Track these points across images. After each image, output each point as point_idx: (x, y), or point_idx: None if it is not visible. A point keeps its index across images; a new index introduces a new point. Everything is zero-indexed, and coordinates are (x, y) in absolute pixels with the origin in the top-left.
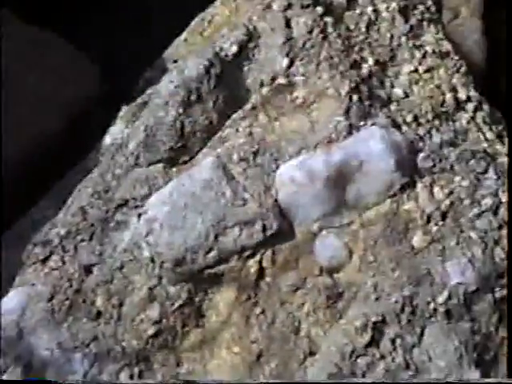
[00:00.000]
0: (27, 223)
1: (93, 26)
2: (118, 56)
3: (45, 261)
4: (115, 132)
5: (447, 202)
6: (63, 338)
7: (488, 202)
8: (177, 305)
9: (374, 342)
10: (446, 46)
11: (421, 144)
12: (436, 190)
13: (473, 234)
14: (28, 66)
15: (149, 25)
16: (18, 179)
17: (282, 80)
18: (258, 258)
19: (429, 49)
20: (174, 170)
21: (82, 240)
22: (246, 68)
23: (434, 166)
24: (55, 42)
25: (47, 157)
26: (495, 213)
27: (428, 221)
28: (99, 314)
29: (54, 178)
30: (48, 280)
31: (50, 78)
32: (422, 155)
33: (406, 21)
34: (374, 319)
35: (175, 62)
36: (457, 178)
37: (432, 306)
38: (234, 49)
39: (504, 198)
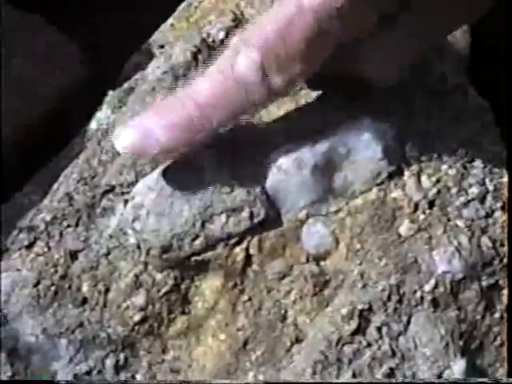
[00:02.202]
0: (13, 208)
1: (79, 10)
2: (103, 41)
3: (30, 246)
4: (101, 117)
5: (434, 190)
6: (48, 324)
7: (475, 190)
8: (163, 291)
9: (360, 329)
10: None
11: (408, 132)
12: (423, 178)
13: (460, 223)
14: (13, 50)
15: (135, 10)
16: (3, 165)
17: None
18: (244, 245)
19: None
20: None
21: (68, 226)
22: None
23: (422, 154)
24: (41, 26)
25: (34, 142)
26: (482, 201)
27: (415, 209)
28: (85, 300)
29: (41, 164)
30: (33, 266)
31: (35, 63)
32: (409, 143)
33: None
34: (360, 307)
35: (162, 47)
36: (444, 167)
37: (419, 294)
38: (222, 35)
39: (491, 186)
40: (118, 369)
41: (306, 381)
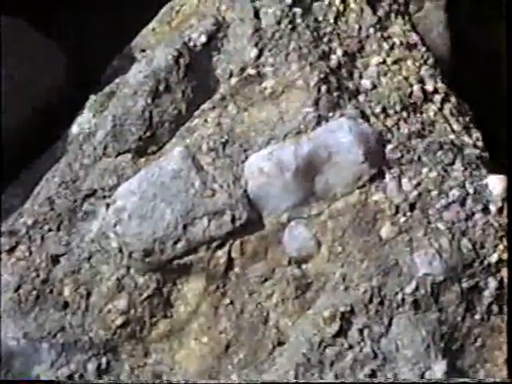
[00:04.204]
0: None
1: (63, 14)
2: (86, 45)
3: (11, 251)
4: (83, 121)
5: (415, 193)
6: (30, 328)
7: (455, 193)
8: (145, 295)
9: (342, 332)
10: (414, 37)
11: (389, 135)
12: (404, 181)
13: (440, 225)
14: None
15: (117, 13)
16: None
17: (251, 70)
18: (226, 248)
19: (397, 40)
20: (143, 160)
21: (50, 230)
22: (214, 58)
23: (402, 157)
24: (26, 30)
25: (17, 145)
26: (462, 204)
27: (396, 212)
28: (66, 304)
29: (23, 167)
30: (15, 270)
31: (20, 66)
32: (390, 146)
33: (374, 12)
34: (342, 309)
35: (143, 51)
36: (424, 170)
37: (400, 296)
38: (203, 39)
39: (471, 189)
40: (100, 372)
41: (287, 381)
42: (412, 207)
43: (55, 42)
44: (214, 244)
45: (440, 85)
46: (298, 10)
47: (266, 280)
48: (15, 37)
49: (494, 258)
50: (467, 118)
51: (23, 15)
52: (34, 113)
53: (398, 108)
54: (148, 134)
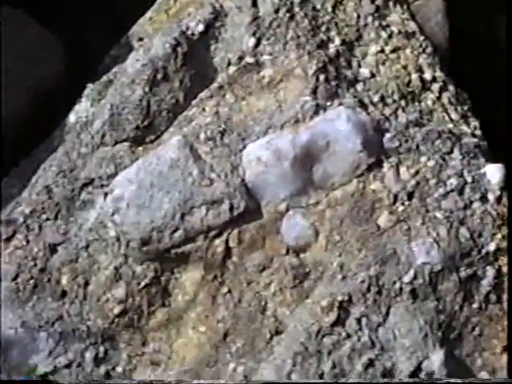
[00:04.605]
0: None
1: (61, 5)
2: (84, 35)
3: (9, 239)
4: (80, 110)
5: (413, 182)
6: (28, 317)
7: (453, 182)
8: (143, 284)
9: (339, 321)
10: (412, 26)
11: (387, 124)
12: (402, 170)
13: (438, 214)
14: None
15: (115, 2)
16: None
17: (249, 59)
18: (224, 237)
19: (395, 29)
20: (141, 149)
21: (47, 219)
22: (212, 47)
23: (400, 146)
24: (24, 21)
25: (15, 135)
26: (460, 193)
27: (394, 201)
28: (64, 293)
29: (22, 156)
30: (12, 259)
31: (18, 57)
32: (388, 135)
33: (373, 1)
34: (340, 299)
35: (141, 39)
36: (423, 158)
37: (398, 285)
38: (201, 27)
39: (469, 178)
40: (97, 361)
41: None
42: (410, 196)
43: (53, 33)
44: (212, 233)
45: (438, 73)
46: None
47: (263, 269)
48: (14, 27)
49: (492, 246)
50: (465, 107)
51: (22, 6)
52: (32, 102)
53: (396, 97)
54: (146, 122)
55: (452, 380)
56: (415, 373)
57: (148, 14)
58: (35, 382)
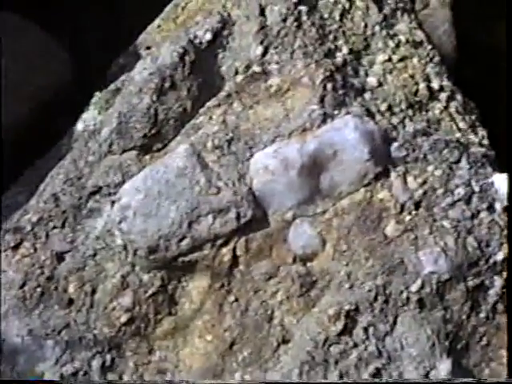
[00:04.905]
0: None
1: (65, 11)
2: (90, 42)
3: (16, 248)
4: (88, 118)
5: (420, 191)
6: (34, 325)
7: (461, 191)
8: (150, 292)
9: (346, 330)
10: (420, 35)
11: (394, 133)
12: (409, 179)
13: (446, 224)
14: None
15: (122, 10)
16: None
17: (256, 68)
18: (231, 246)
19: (402, 38)
20: (148, 157)
21: (54, 227)
22: (220, 56)
23: (408, 155)
24: (27, 27)
25: (19, 143)
26: (468, 202)
27: (401, 210)
28: (71, 301)
29: (26, 165)
30: (19, 267)
31: (21, 63)
32: (395, 144)
33: (380, 10)
34: (347, 308)
35: (148, 48)
36: (430, 168)
37: (405, 294)
38: (209, 36)
39: (477, 187)
40: (104, 370)
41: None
42: (417, 205)
43: (56, 40)
44: (219, 241)
45: (446, 83)
46: (303, 8)
47: (270, 278)
48: (17, 33)
49: (499, 256)
50: (473, 117)
51: (24, 11)
52: (36, 110)
53: (403, 106)
54: (153, 131)
55: (455, 381)
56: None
57: (156, 22)
58: (37, 381)
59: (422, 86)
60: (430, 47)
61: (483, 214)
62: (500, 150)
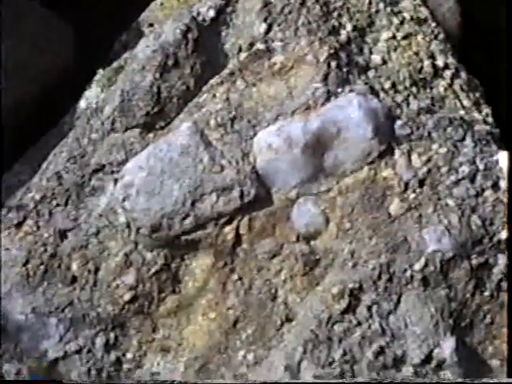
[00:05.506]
0: (3, 187)
1: None
2: (94, 19)
3: (19, 225)
4: (90, 96)
5: (424, 169)
6: (38, 303)
7: (465, 169)
8: (153, 270)
9: (350, 308)
10: (424, 12)
11: (398, 111)
12: (414, 157)
13: (450, 202)
14: (4, 32)
15: None
16: None
17: (260, 45)
18: (234, 224)
19: (407, 15)
20: (151, 135)
21: (57, 205)
22: (223, 33)
23: (412, 133)
24: (31, 8)
25: (23, 122)
26: (472, 180)
27: (405, 188)
28: (75, 279)
29: (30, 144)
30: (23, 245)
31: (26, 44)
32: (399, 122)
33: None
34: (350, 286)
35: (151, 25)
36: (434, 146)
37: (409, 273)
38: (212, 13)
39: (481, 165)
40: (108, 347)
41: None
42: (421, 183)
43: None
44: (222, 220)
45: (450, 60)
46: None
47: (274, 256)
48: (22, 13)
49: (503, 234)
50: (477, 94)
51: None
52: (41, 88)
53: (407, 83)
54: (156, 109)
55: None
56: (426, 360)
57: (158, 0)
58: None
59: (427, 63)
60: (434, 24)
61: (487, 192)
62: (502, 128)
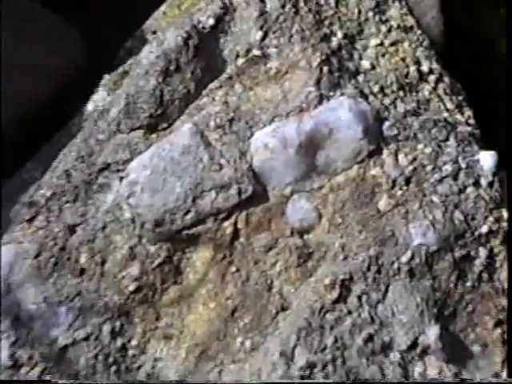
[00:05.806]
0: (16, 183)
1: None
2: (100, 27)
3: (31, 220)
4: (97, 99)
5: (411, 167)
6: (49, 293)
7: (448, 168)
8: (156, 263)
9: (341, 298)
10: (410, 20)
11: (386, 113)
12: (400, 156)
13: (434, 198)
14: (15, 35)
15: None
16: (6, 144)
17: (256, 52)
18: (233, 219)
19: (394, 23)
20: (154, 135)
21: (67, 201)
22: (222, 40)
23: (399, 134)
24: (42, 12)
25: (35, 123)
26: (455, 178)
27: (393, 185)
28: (83, 270)
29: (41, 141)
30: (34, 238)
31: (36, 47)
32: (387, 124)
33: None
34: (341, 277)
35: (154, 33)
36: (420, 146)
37: (396, 265)
38: (211, 21)
39: (463, 164)
40: (114, 335)
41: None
42: (408, 181)
43: (67, 22)
44: (221, 215)
45: (435, 66)
46: None
47: (270, 249)
48: (30, 18)
49: (484, 229)
50: (460, 97)
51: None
52: (50, 91)
53: (394, 87)
54: (159, 111)
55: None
56: (412, 347)
57: (162, 9)
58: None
59: (413, 68)
60: (419, 32)
61: (469, 190)
62: (488, 129)
